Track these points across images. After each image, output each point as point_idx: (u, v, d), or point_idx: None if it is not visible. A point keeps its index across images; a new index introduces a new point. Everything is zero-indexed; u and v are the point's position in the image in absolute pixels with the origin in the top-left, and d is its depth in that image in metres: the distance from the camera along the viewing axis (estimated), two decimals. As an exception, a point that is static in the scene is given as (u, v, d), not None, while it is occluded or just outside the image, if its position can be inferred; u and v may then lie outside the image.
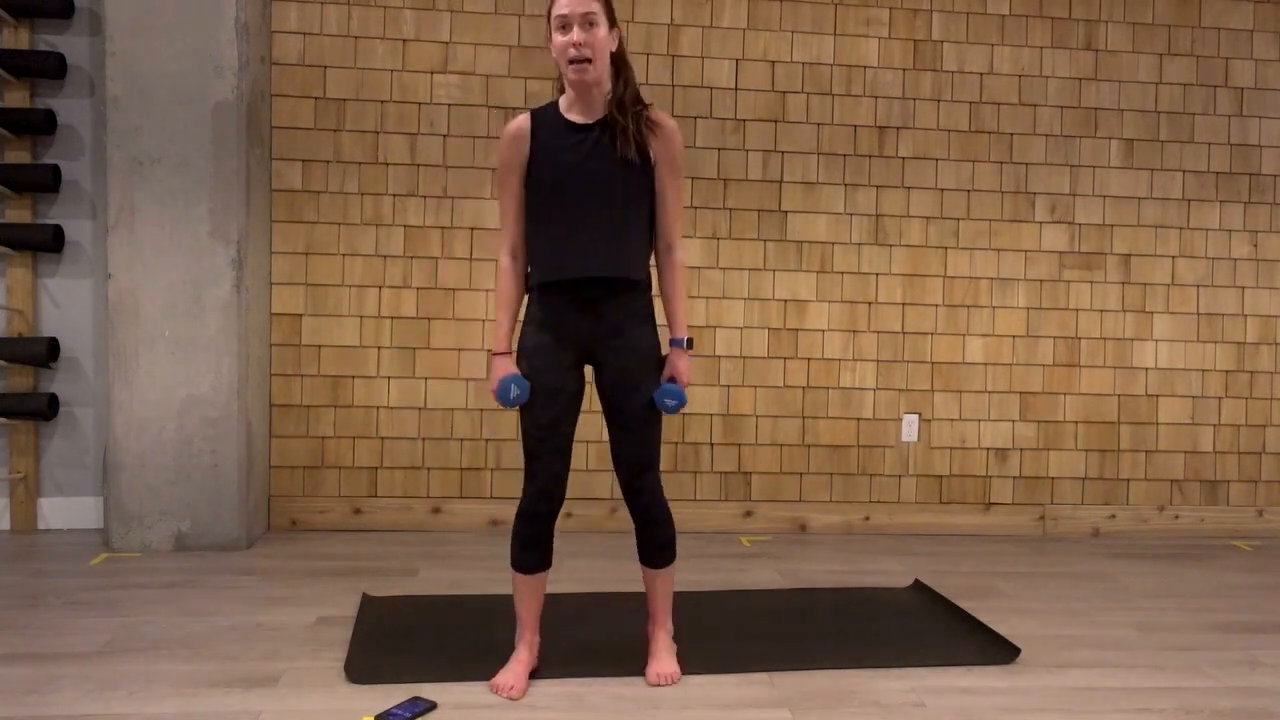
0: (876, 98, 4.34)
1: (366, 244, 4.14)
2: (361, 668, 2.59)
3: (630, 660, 2.64)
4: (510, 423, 4.21)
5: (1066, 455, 4.46)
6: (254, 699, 2.41)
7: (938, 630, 3.05)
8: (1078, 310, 4.45)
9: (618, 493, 4.20)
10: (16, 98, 3.96)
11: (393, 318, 4.16)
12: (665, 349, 2.56)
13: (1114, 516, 4.49)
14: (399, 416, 4.18)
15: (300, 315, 4.13)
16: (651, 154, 2.47)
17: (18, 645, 2.73)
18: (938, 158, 4.37)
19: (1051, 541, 4.35)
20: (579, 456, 4.09)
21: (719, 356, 4.29)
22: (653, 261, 2.56)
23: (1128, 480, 4.50)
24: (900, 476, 4.40)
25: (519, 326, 2.56)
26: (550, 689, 2.51)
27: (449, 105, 4.16)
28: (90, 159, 4.03)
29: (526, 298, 2.56)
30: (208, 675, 2.55)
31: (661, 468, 2.75)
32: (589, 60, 2.38)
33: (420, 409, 4.19)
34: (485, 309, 4.19)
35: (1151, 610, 3.35)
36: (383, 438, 4.18)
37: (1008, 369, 4.43)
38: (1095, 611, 3.32)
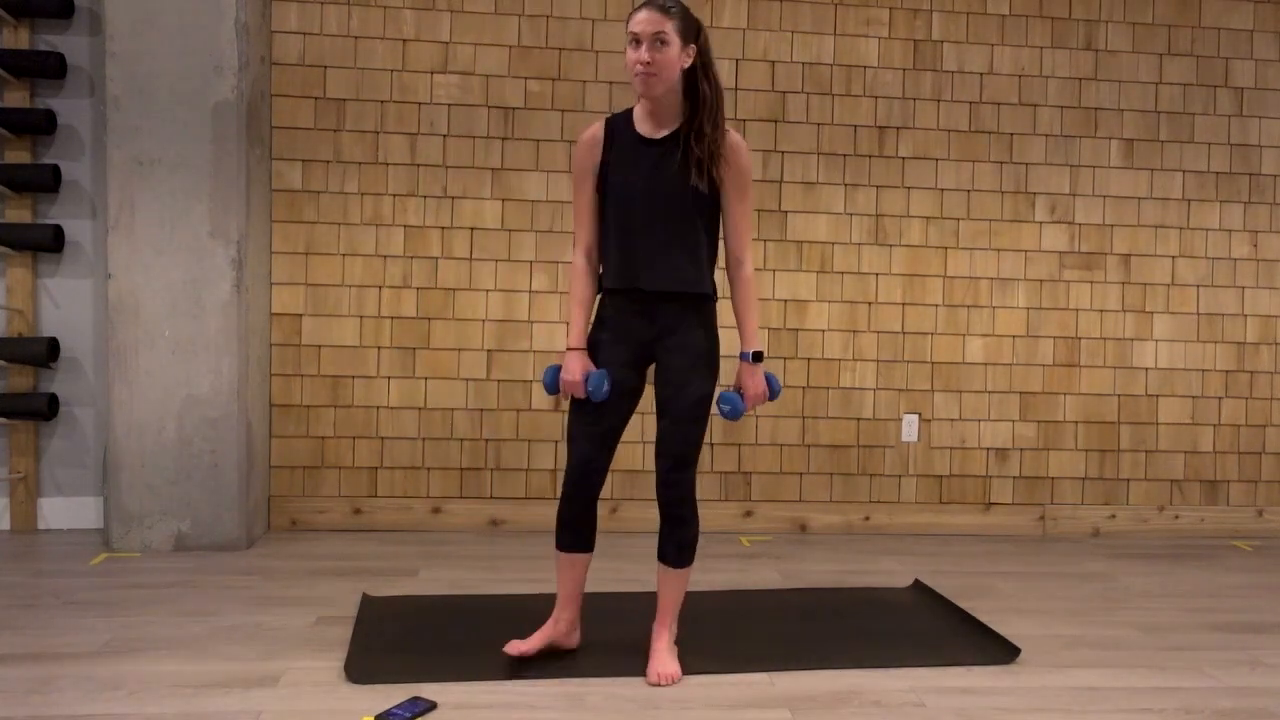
0: (876, 98, 4.33)
1: (366, 244, 4.14)
2: (361, 668, 2.58)
3: (630, 660, 2.64)
4: (510, 423, 4.21)
5: (1066, 455, 4.46)
6: (254, 699, 2.41)
7: (938, 630, 3.06)
8: (1078, 310, 4.44)
9: (619, 492, 4.21)
10: (16, 98, 3.95)
11: (393, 318, 4.16)
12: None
13: (1114, 516, 4.49)
14: (399, 416, 4.18)
15: (300, 315, 4.13)
16: (718, 174, 2.53)
17: (18, 645, 2.72)
18: (938, 158, 4.36)
19: (1051, 541, 4.35)
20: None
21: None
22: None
23: (1128, 480, 4.50)
24: (900, 476, 4.40)
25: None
26: (550, 689, 2.50)
27: (449, 105, 4.16)
28: (90, 159, 4.03)
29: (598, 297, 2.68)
30: (208, 675, 2.55)
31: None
32: (653, 75, 2.44)
33: (420, 409, 4.19)
34: (485, 309, 4.20)
35: (1151, 610, 3.35)
36: (383, 438, 4.18)
37: (1008, 369, 4.43)
38: (1095, 611, 3.32)
